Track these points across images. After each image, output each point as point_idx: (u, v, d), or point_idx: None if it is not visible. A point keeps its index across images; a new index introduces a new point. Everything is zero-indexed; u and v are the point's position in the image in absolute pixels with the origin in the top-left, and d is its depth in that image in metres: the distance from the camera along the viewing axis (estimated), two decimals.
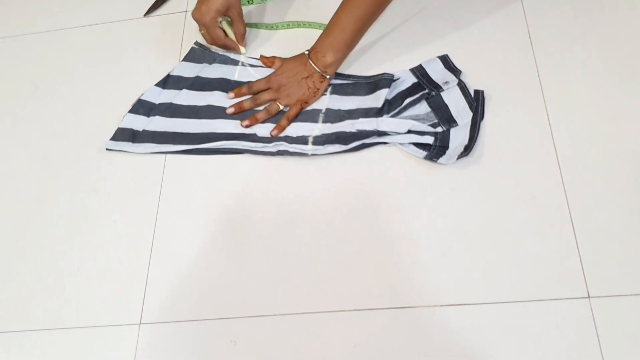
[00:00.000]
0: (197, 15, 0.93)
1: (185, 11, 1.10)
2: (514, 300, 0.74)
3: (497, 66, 0.91)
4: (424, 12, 0.98)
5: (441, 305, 0.76)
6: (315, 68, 0.89)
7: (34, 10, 1.18)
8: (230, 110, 0.93)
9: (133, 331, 0.82)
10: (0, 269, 0.90)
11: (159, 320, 0.82)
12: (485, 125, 0.86)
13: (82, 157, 0.98)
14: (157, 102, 0.98)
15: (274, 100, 0.92)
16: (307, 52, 0.91)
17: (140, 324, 0.82)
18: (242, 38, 0.99)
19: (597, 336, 0.71)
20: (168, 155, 0.94)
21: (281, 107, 0.92)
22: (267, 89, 0.93)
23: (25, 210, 0.95)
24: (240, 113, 0.94)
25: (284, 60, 0.95)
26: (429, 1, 0.99)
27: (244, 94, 0.95)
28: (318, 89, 0.91)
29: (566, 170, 0.81)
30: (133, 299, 0.84)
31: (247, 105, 0.93)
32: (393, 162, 0.86)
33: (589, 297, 0.73)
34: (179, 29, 1.08)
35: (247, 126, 0.92)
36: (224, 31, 0.97)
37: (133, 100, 0.99)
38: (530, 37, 0.92)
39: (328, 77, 0.91)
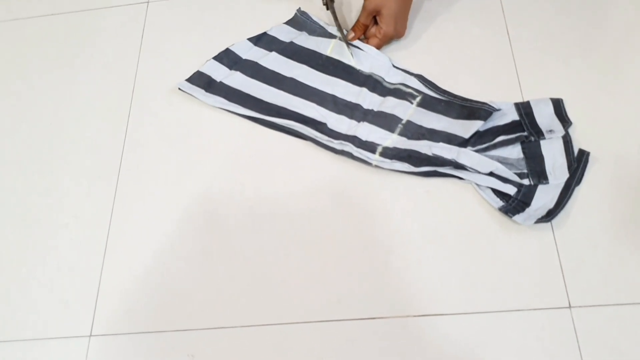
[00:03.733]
0: None
1: (147, 2, 1.05)
2: (493, 310, 0.71)
3: (474, 63, 0.88)
4: None
5: (415, 316, 0.73)
6: None
7: None
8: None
9: (82, 344, 0.77)
10: None
11: (110, 332, 0.78)
12: None
13: (33, 156, 0.93)
14: (243, 57, 0.94)
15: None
16: None
17: (90, 336, 0.78)
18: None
19: (579, 347, 0.69)
20: (124, 153, 0.90)
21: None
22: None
23: None
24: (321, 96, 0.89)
25: (374, 1, 0.87)
26: None
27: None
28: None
29: None
30: (83, 309, 0.79)
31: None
32: (363, 162, 0.82)
33: (570, 307, 0.71)
34: (140, 22, 1.03)
35: (352, 39, 0.91)
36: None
37: (94, 101, 0.95)
38: (508, 34, 0.89)
39: None
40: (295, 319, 0.74)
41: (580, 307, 0.70)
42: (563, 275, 0.72)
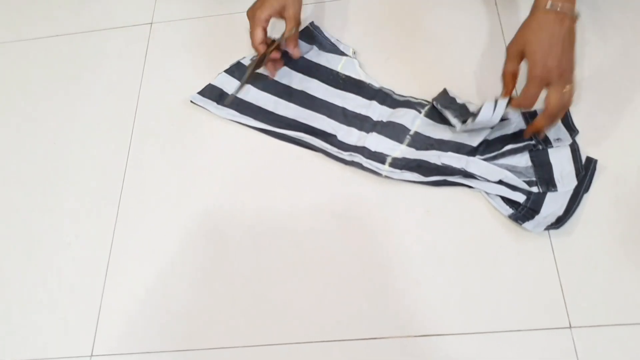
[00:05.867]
0: (250, 12, 0.86)
1: (151, 23, 1.05)
2: (492, 331, 0.71)
3: (473, 84, 0.88)
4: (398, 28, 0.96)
5: (415, 336, 0.72)
6: (568, 12, 0.69)
7: None
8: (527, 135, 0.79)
9: None
10: None
11: (112, 352, 0.77)
12: None
13: (36, 175, 0.93)
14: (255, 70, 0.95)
15: (561, 90, 0.71)
16: (548, 5, 0.69)
17: (91, 355, 0.77)
18: (292, 42, 0.88)
19: None
20: (127, 172, 0.90)
21: (573, 91, 0.73)
22: (546, 85, 0.72)
23: None
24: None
25: (518, 41, 0.73)
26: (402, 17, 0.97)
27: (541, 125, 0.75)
28: (575, 35, 0.71)
29: None
30: (85, 329, 0.79)
31: (542, 124, 0.75)
32: (363, 181, 0.83)
33: (570, 327, 0.70)
34: (143, 43, 1.04)
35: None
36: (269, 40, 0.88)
37: (97, 121, 0.96)
38: None
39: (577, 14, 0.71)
40: (297, 339, 0.74)
41: (580, 327, 0.70)
42: (563, 296, 0.71)
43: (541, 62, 0.69)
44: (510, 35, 0.78)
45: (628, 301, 0.71)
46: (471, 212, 0.78)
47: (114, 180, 0.90)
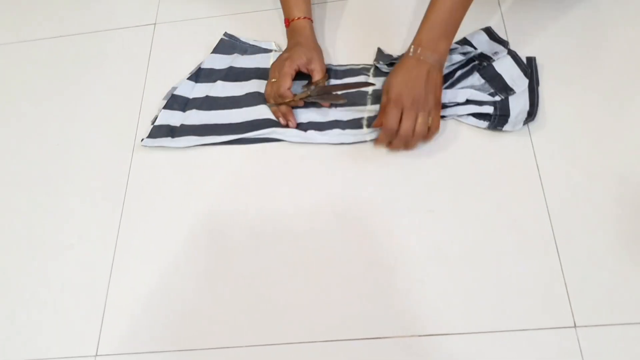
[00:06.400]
0: (276, 65, 0.88)
1: (154, 24, 1.06)
2: (497, 330, 0.71)
3: None
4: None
5: (419, 336, 0.72)
6: (432, 61, 0.80)
7: None
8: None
9: None
10: None
11: (116, 351, 0.77)
12: (465, 144, 0.83)
13: (39, 177, 0.93)
14: (191, 97, 0.94)
15: (415, 121, 0.80)
16: (411, 52, 0.80)
17: (96, 355, 0.77)
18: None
19: None
20: (131, 173, 0.90)
21: (427, 122, 0.80)
22: (402, 117, 0.79)
23: None
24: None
25: (388, 83, 0.81)
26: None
27: (388, 137, 0.82)
28: (440, 83, 0.82)
29: (550, 193, 0.78)
30: (89, 329, 0.79)
31: (396, 146, 0.83)
32: (364, 181, 0.83)
33: (575, 326, 0.70)
34: (147, 43, 1.04)
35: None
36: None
37: (101, 122, 0.96)
38: None
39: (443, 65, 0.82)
40: (299, 339, 0.74)
41: (585, 326, 0.69)
42: (568, 295, 0.71)
43: (396, 89, 0.79)
44: (512, 33, 0.82)
45: (633, 300, 0.70)
46: (473, 212, 0.78)
47: (117, 181, 0.90)
